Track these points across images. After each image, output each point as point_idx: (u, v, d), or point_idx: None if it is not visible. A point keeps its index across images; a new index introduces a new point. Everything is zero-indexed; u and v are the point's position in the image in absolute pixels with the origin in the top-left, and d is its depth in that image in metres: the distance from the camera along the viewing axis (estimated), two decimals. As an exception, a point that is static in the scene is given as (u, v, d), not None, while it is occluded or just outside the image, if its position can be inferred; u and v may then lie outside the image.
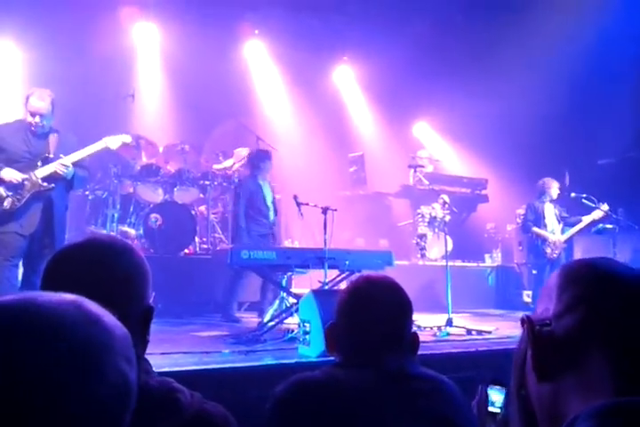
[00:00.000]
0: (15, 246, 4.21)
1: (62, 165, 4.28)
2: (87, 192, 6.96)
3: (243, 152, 8.03)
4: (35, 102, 4.22)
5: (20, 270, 4.37)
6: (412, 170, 6.79)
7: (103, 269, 1.13)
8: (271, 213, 6.11)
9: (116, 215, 6.77)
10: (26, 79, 7.56)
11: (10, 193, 4.18)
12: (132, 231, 6.77)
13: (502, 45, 8.42)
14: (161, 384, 1.08)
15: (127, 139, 4.74)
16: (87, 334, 0.60)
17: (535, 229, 6.76)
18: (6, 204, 4.18)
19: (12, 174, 4.18)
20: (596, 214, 6.73)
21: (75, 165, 4.36)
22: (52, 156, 4.32)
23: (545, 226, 6.79)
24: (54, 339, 0.56)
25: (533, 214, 6.84)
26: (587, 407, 0.67)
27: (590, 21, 7.82)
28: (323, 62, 9.87)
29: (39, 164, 4.28)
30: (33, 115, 4.23)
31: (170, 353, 3.51)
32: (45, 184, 4.27)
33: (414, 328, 1.62)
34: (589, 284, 0.77)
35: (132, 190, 7.03)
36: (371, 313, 1.50)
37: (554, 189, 6.83)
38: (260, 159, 6.14)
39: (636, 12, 7.78)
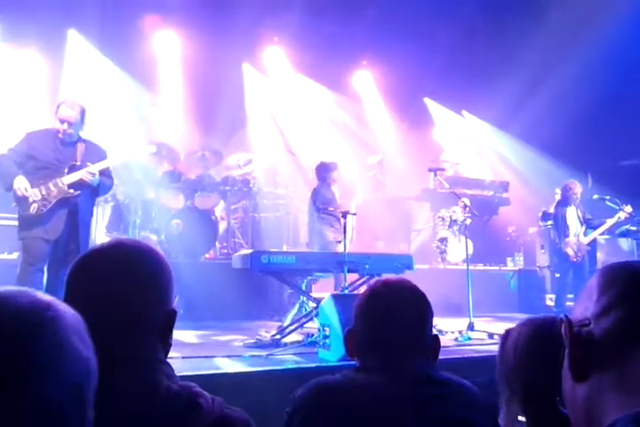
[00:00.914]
0: (40, 251, 4.27)
1: (89, 173, 4.35)
2: (109, 198, 7.06)
3: (262, 158, 8.09)
4: (64, 110, 4.31)
5: (45, 275, 4.44)
6: (433, 173, 6.75)
7: (129, 272, 1.14)
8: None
9: (138, 221, 6.84)
10: (49, 88, 7.70)
11: (36, 199, 4.25)
12: (153, 237, 6.84)
13: (522, 48, 8.37)
14: (182, 389, 1.09)
15: (152, 149, 4.84)
16: (40, 320, 0.62)
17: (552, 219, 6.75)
18: (32, 209, 4.25)
19: (21, 184, 4.21)
20: (619, 217, 6.64)
21: (100, 173, 4.43)
22: (79, 163, 4.40)
23: (567, 228, 6.72)
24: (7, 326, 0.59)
25: (556, 211, 6.78)
26: (626, 413, 0.66)
27: (613, 22, 7.72)
28: (342, 67, 9.90)
29: (66, 171, 4.35)
30: (62, 122, 4.32)
31: (191, 357, 3.54)
32: (72, 191, 4.34)
33: (435, 332, 1.61)
34: (630, 285, 0.76)
35: (153, 196, 7.11)
36: (389, 317, 1.50)
37: (578, 192, 6.76)
38: (324, 171, 6.42)
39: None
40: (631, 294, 0.75)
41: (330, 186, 6.39)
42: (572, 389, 0.78)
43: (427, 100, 10.64)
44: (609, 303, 0.76)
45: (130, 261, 1.16)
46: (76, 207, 4.38)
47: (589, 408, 0.74)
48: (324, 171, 6.44)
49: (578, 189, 6.78)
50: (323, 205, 6.20)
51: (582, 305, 0.80)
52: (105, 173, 4.52)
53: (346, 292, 4.67)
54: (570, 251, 6.63)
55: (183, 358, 3.42)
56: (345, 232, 4.85)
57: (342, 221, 6.15)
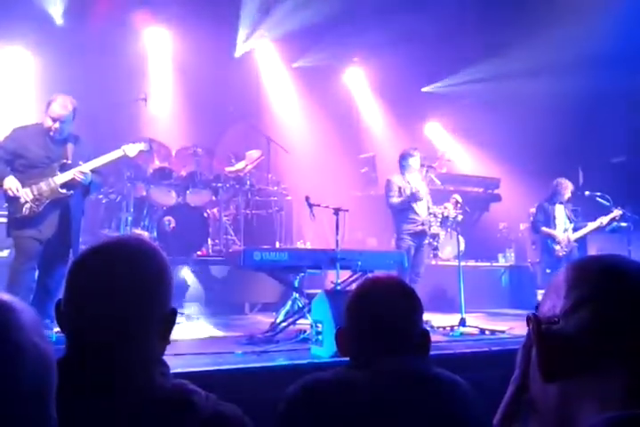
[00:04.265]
0: (32, 250, 4.25)
1: (81, 172, 4.32)
2: (101, 196, 7.03)
3: (254, 154, 8.06)
4: (57, 109, 4.25)
5: (36, 273, 4.42)
6: (425, 170, 6.79)
7: (133, 271, 1.12)
8: (422, 210, 6.19)
9: (129, 218, 6.81)
10: (38, 84, 7.65)
11: (28, 199, 4.22)
12: (145, 234, 6.82)
13: (512, 45, 8.39)
14: (176, 386, 1.09)
15: (144, 147, 4.79)
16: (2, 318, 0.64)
17: (544, 228, 6.74)
18: (24, 210, 4.21)
19: (12, 184, 4.16)
20: (601, 222, 6.71)
21: (91, 171, 4.40)
22: (69, 162, 4.36)
23: (555, 226, 6.76)
24: None
25: (543, 215, 6.81)
26: (599, 419, 0.64)
27: (605, 16, 7.74)
28: (333, 64, 9.89)
29: (57, 170, 4.31)
30: (54, 121, 4.26)
31: (183, 354, 3.54)
32: (64, 191, 4.30)
33: (427, 328, 1.62)
34: (600, 281, 0.74)
35: (145, 194, 7.08)
36: (378, 315, 1.51)
37: (567, 190, 6.79)
38: (401, 158, 6.34)
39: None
40: (601, 290, 0.73)
41: (405, 175, 6.27)
42: (543, 388, 0.75)
43: (418, 96, 10.62)
44: (578, 300, 0.73)
45: (134, 260, 1.13)
46: (67, 207, 4.36)
47: (561, 409, 0.72)
48: (399, 159, 6.36)
49: (570, 188, 6.81)
50: (393, 195, 6.13)
51: (550, 302, 0.78)
52: (96, 170, 4.49)
53: (338, 288, 4.69)
54: (556, 246, 6.68)
55: (175, 355, 3.42)
56: (337, 229, 4.85)
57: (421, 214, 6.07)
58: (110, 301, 1.09)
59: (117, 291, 1.09)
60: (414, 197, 6.05)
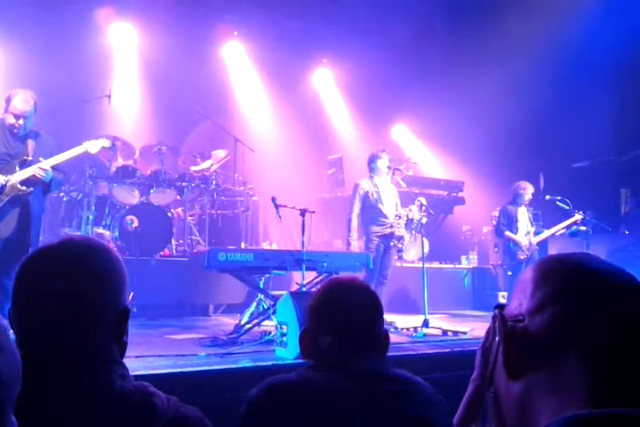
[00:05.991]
0: (-11, 249, 4.13)
1: (41, 169, 4.21)
2: (62, 194, 6.87)
3: (220, 154, 8.00)
4: (19, 104, 4.14)
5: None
6: (390, 173, 6.85)
7: (77, 269, 1.10)
8: (391, 213, 6.13)
9: (90, 217, 6.68)
10: (0, 79, 7.44)
11: None
12: (107, 233, 6.70)
13: (480, 50, 8.53)
14: (137, 389, 1.07)
15: (106, 143, 4.69)
16: None
17: (507, 233, 6.84)
18: (-18, 208, 4.10)
19: None
20: (566, 223, 6.90)
21: (52, 168, 4.30)
22: (30, 158, 4.25)
23: (518, 229, 6.87)
24: None
25: (506, 218, 6.92)
26: (556, 419, 0.64)
27: (568, 26, 7.94)
28: (302, 64, 9.89)
29: (17, 167, 4.20)
30: (17, 117, 4.15)
31: (145, 356, 3.49)
32: (24, 188, 4.19)
33: (391, 329, 1.64)
34: (564, 281, 0.74)
35: (107, 192, 6.95)
36: (339, 316, 1.52)
37: (528, 192, 6.92)
38: (369, 160, 6.28)
39: (614, 16, 7.93)
40: (566, 290, 0.73)
41: (372, 178, 6.21)
42: (507, 386, 0.75)
43: (386, 99, 10.68)
44: (543, 299, 0.74)
45: (79, 259, 1.12)
46: (27, 204, 4.25)
47: (523, 407, 0.73)
48: (368, 161, 6.30)
49: (529, 189, 6.94)
50: (361, 199, 6.07)
51: (517, 300, 0.78)
52: (57, 167, 4.39)
53: (304, 289, 4.69)
54: (518, 250, 6.80)
55: (136, 357, 3.37)
56: (303, 230, 4.85)
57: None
58: (56, 302, 1.07)
59: (63, 291, 1.08)
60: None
